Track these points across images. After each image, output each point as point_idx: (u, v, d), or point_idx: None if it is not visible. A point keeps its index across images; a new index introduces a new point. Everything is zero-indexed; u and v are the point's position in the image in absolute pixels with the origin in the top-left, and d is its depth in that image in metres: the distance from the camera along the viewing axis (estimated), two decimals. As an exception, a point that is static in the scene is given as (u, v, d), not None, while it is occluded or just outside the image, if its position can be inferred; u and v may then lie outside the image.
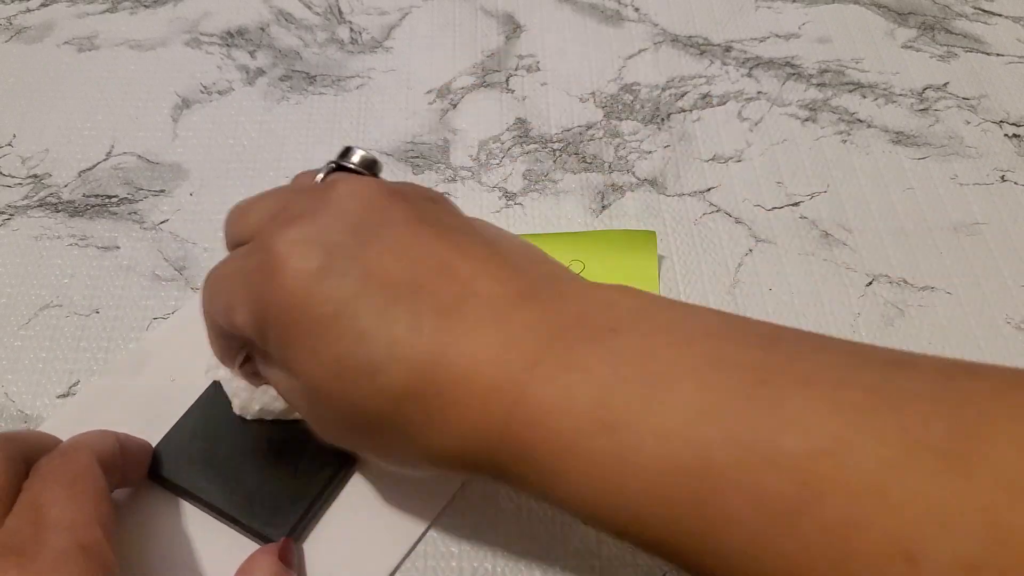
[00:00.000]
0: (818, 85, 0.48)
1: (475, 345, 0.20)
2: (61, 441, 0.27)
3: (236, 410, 0.31)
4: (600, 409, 0.18)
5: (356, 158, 0.27)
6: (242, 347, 0.26)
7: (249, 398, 0.31)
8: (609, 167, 0.43)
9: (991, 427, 0.15)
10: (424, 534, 0.30)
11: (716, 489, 0.17)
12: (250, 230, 0.25)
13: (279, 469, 0.31)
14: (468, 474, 0.24)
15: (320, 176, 0.27)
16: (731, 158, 0.44)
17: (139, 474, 0.30)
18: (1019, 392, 0.16)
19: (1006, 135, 0.45)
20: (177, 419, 0.32)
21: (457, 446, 0.21)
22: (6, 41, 0.49)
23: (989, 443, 0.15)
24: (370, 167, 0.27)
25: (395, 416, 0.21)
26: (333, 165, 0.27)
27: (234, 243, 0.26)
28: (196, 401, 0.32)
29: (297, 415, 0.30)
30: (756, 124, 0.46)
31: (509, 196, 0.42)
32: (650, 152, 0.44)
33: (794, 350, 0.18)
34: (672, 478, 0.17)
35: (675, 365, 0.18)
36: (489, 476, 0.21)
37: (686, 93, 0.47)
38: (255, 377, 0.28)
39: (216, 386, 0.32)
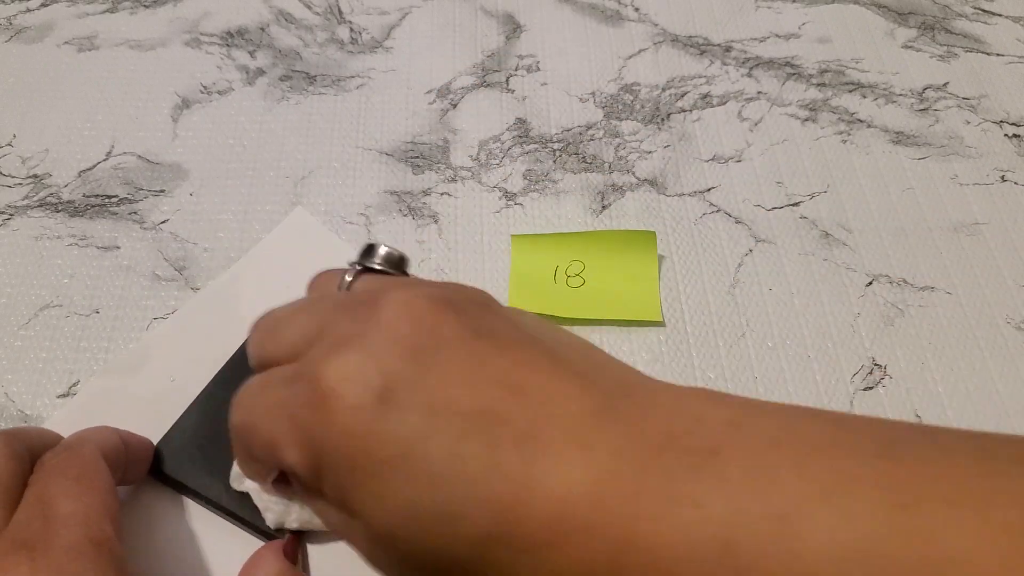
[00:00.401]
0: (818, 85, 0.48)
1: (563, 477, 0.18)
2: (63, 437, 0.28)
3: (270, 524, 0.29)
4: (728, 550, 0.17)
5: (381, 258, 0.25)
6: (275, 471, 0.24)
7: (284, 511, 0.29)
8: (609, 167, 0.43)
9: None
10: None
11: None
12: (285, 352, 0.23)
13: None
14: None
15: (348, 281, 0.25)
16: (731, 158, 0.44)
17: (140, 472, 0.30)
18: None
19: (1006, 135, 0.45)
20: (178, 418, 0.32)
21: None
22: (6, 41, 0.49)
23: None
24: (398, 265, 0.26)
25: (478, 563, 0.19)
26: (359, 267, 0.25)
27: (265, 363, 0.24)
28: (197, 398, 0.32)
29: None
30: (756, 124, 0.46)
31: (509, 196, 0.42)
32: (650, 152, 0.44)
33: (920, 460, 0.17)
34: None
35: (798, 494, 0.17)
36: None
37: (686, 93, 0.47)
38: (290, 494, 0.26)
39: (216, 383, 0.32)
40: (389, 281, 0.24)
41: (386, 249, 0.26)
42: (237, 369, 0.33)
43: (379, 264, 0.25)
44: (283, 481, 0.24)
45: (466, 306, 0.22)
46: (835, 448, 0.17)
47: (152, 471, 0.30)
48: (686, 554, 0.17)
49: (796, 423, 0.18)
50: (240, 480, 0.29)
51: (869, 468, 0.17)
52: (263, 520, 0.29)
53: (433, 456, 0.19)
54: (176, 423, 0.31)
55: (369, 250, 0.26)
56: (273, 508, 0.29)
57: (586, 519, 0.18)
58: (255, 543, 0.29)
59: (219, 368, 0.33)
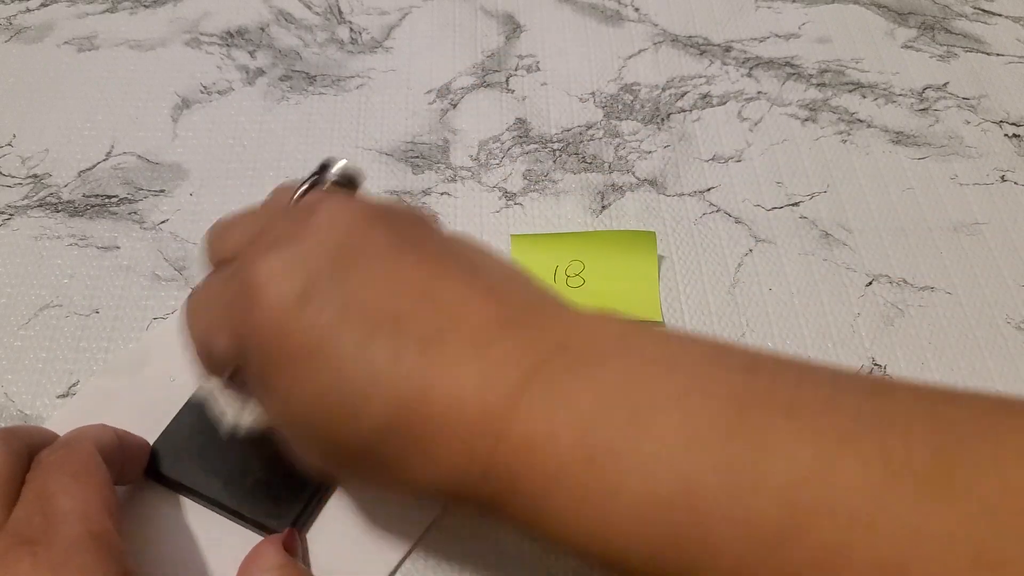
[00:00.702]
0: (818, 85, 0.48)
1: (457, 378, 0.20)
2: (59, 436, 0.28)
3: (228, 426, 0.30)
4: (584, 441, 0.18)
5: (335, 173, 0.26)
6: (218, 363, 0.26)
7: (239, 412, 0.30)
8: (609, 167, 0.43)
9: (972, 452, 0.15)
10: (429, 527, 0.30)
11: (701, 519, 0.17)
12: (230, 251, 0.25)
13: (279, 460, 0.31)
14: (453, 504, 0.24)
15: (298, 192, 0.26)
16: (731, 158, 0.44)
17: (137, 471, 0.30)
18: (997, 416, 0.16)
19: (1006, 135, 0.45)
20: (172, 418, 0.32)
21: (440, 479, 0.20)
22: (6, 41, 0.49)
23: (971, 468, 0.15)
24: (350, 181, 0.27)
25: (377, 449, 0.21)
26: (311, 180, 0.26)
27: (214, 262, 0.26)
28: (191, 397, 0.32)
29: (314, 480, 0.30)
30: (756, 124, 0.46)
31: (509, 196, 0.42)
32: (650, 152, 0.44)
33: (776, 377, 0.18)
34: (657, 509, 0.17)
35: (658, 395, 0.18)
36: (474, 507, 0.21)
37: (686, 93, 0.47)
38: (244, 390, 0.27)
39: None
40: (333, 195, 0.25)
41: (341, 165, 0.27)
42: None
43: (332, 179, 0.26)
44: (236, 379, 0.26)
45: (397, 220, 0.24)
46: (703, 366, 0.19)
47: (149, 471, 0.30)
48: (550, 441, 0.19)
49: (679, 344, 0.20)
50: (205, 391, 0.30)
51: (726, 382, 0.18)
52: (260, 514, 0.29)
53: (342, 351, 0.21)
54: (171, 423, 0.31)
55: (324, 165, 0.27)
56: (229, 409, 0.29)
57: (470, 417, 0.19)
58: (253, 539, 0.29)
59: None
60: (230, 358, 0.23)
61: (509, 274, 0.23)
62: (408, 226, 0.24)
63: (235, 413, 0.30)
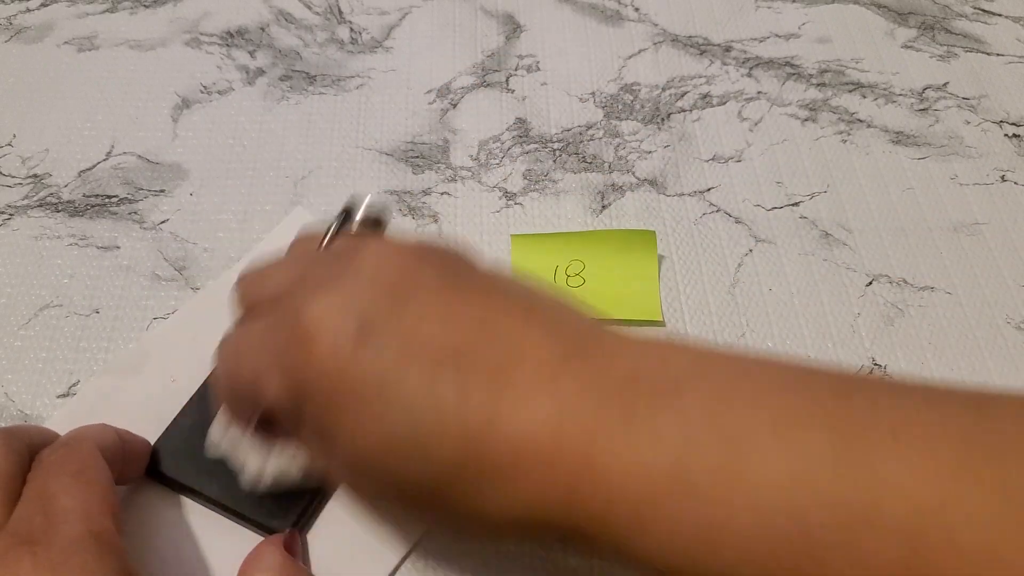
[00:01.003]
0: (818, 85, 0.48)
1: (528, 412, 0.19)
2: (60, 435, 0.28)
3: (248, 482, 0.29)
4: (679, 474, 0.18)
5: (361, 215, 0.26)
6: (259, 409, 0.25)
7: (262, 465, 0.29)
8: (609, 167, 0.43)
9: None
10: (428, 528, 0.30)
11: (816, 554, 0.16)
12: (267, 296, 0.24)
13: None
14: (530, 539, 0.23)
15: (327, 238, 0.25)
16: (731, 158, 0.44)
17: (138, 470, 0.30)
18: None
19: (1006, 135, 0.45)
20: (173, 418, 0.32)
21: (518, 512, 0.20)
22: (6, 41, 0.49)
23: None
24: (377, 222, 0.26)
25: (450, 487, 0.20)
26: (338, 224, 0.26)
27: (248, 306, 0.25)
28: (192, 397, 0.32)
29: (315, 481, 0.29)
30: (756, 124, 0.46)
31: (509, 196, 0.42)
32: (650, 152, 0.44)
33: (872, 401, 0.18)
34: (768, 544, 0.17)
35: (750, 426, 0.18)
36: (554, 539, 0.20)
37: (686, 93, 0.47)
38: (269, 438, 0.27)
39: (211, 383, 0.32)
40: (368, 239, 0.25)
41: (365, 205, 0.26)
42: None
43: (357, 227, 0.26)
44: (265, 425, 0.25)
45: (444, 258, 0.23)
46: (790, 387, 0.18)
47: (150, 471, 0.30)
48: (641, 480, 0.18)
49: (756, 365, 0.20)
50: (217, 446, 0.29)
51: (819, 405, 0.18)
52: (261, 514, 0.29)
53: (407, 387, 0.20)
54: (171, 423, 0.31)
55: (348, 209, 0.26)
56: (252, 463, 0.29)
57: (547, 450, 0.19)
58: (254, 540, 0.29)
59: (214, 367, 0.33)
60: (282, 405, 0.22)
61: (560, 305, 0.23)
62: (454, 262, 0.23)
63: (260, 462, 0.29)
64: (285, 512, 0.29)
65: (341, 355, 0.20)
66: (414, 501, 0.21)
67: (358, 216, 0.26)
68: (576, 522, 0.19)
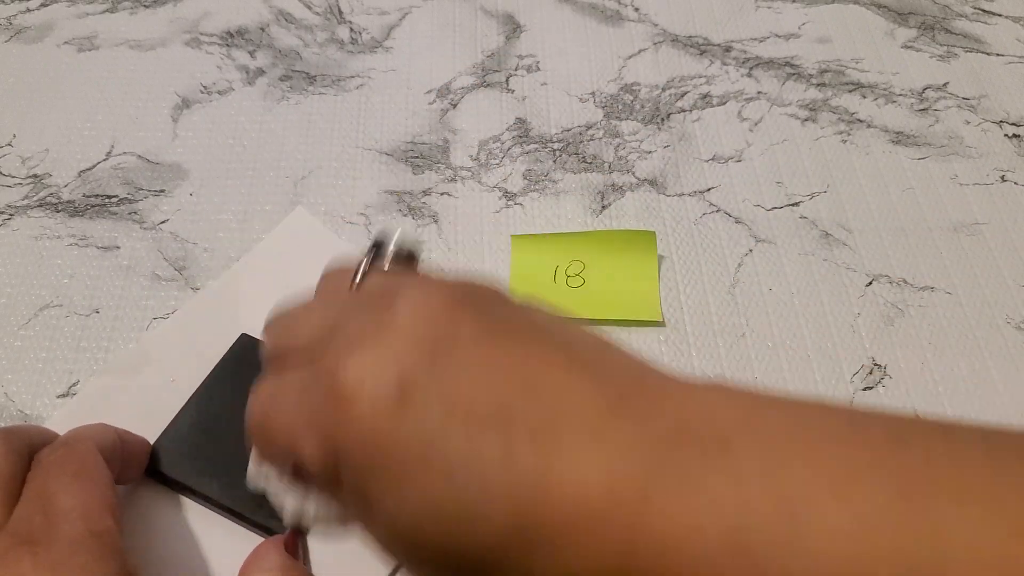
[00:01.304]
0: (818, 85, 0.48)
1: (578, 471, 0.19)
2: (60, 435, 0.28)
3: (287, 522, 0.28)
4: (734, 534, 0.17)
5: (392, 250, 0.25)
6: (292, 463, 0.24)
7: (301, 507, 0.28)
8: (609, 167, 0.43)
9: None
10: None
11: None
12: (302, 345, 0.23)
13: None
14: None
15: (358, 277, 0.25)
16: (731, 158, 0.44)
17: (137, 470, 0.30)
18: None
19: (1006, 135, 0.45)
20: (173, 417, 0.32)
21: None
22: (6, 41, 0.49)
23: None
24: (409, 255, 0.26)
25: (498, 555, 0.19)
26: (369, 260, 0.25)
27: (280, 355, 0.24)
28: (191, 397, 0.32)
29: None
30: (756, 124, 0.46)
31: (509, 196, 0.42)
32: (650, 152, 0.44)
33: (929, 450, 0.17)
34: None
35: (807, 482, 0.17)
36: None
37: (686, 93, 0.47)
38: (307, 485, 0.26)
39: (210, 382, 0.32)
40: (401, 279, 0.24)
41: (396, 239, 0.25)
42: (230, 368, 0.33)
43: (390, 263, 0.25)
44: (300, 474, 0.24)
45: (480, 302, 0.22)
46: (844, 440, 0.18)
47: (149, 471, 0.30)
48: (697, 546, 0.17)
49: (807, 416, 0.19)
50: (256, 480, 0.29)
51: (878, 460, 0.17)
52: (261, 515, 0.29)
53: (451, 456, 0.19)
54: (171, 423, 0.31)
55: (379, 244, 0.26)
56: (291, 505, 0.28)
57: (599, 512, 0.18)
58: (254, 540, 0.29)
59: (213, 367, 0.33)
60: (317, 468, 0.21)
61: (599, 347, 0.22)
62: (490, 305, 0.22)
63: (295, 507, 0.28)
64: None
65: (380, 418, 0.20)
66: (458, 571, 0.20)
67: (390, 250, 0.25)
68: None
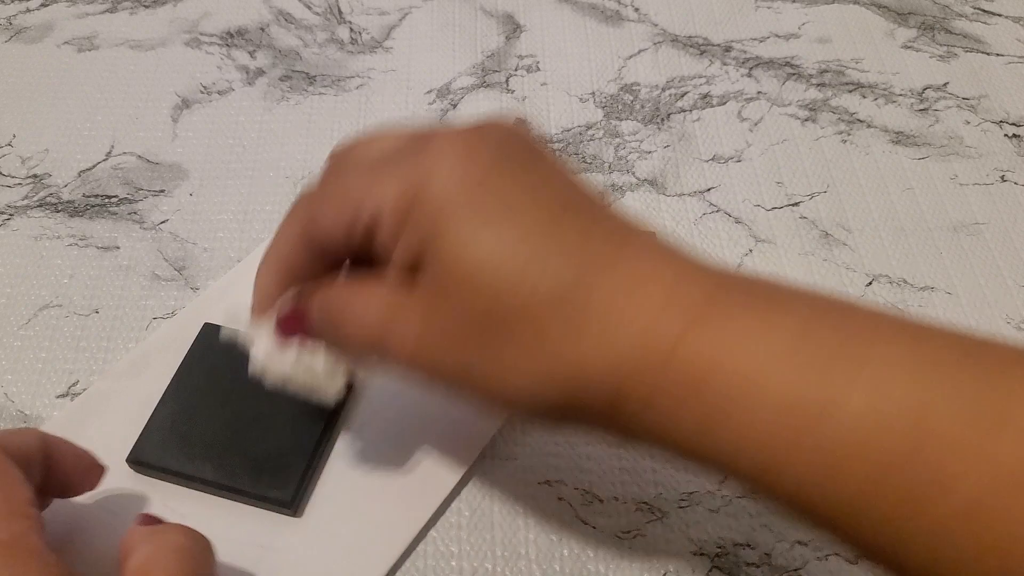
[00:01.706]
0: (818, 85, 0.48)
1: (646, 269, 0.20)
2: (41, 435, 0.26)
3: (269, 382, 0.27)
4: (795, 344, 0.18)
5: None
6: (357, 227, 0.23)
7: (281, 367, 0.27)
8: (609, 167, 0.43)
9: None
10: (422, 531, 0.30)
11: (933, 447, 0.16)
12: (389, 146, 0.23)
13: (268, 431, 0.31)
14: (573, 405, 0.21)
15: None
16: (731, 158, 0.44)
17: (84, 483, 0.27)
18: None
19: (1006, 135, 0.45)
20: (151, 413, 0.32)
21: (607, 358, 0.19)
22: (6, 41, 0.49)
23: None
24: None
25: (541, 318, 0.20)
26: None
27: (355, 161, 0.24)
28: (166, 389, 0.32)
29: (314, 393, 0.27)
30: (756, 124, 0.46)
31: (509, 196, 0.42)
32: (650, 152, 0.44)
33: (962, 336, 0.19)
34: (880, 433, 0.17)
35: (855, 326, 0.20)
36: (600, 408, 0.20)
37: (686, 93, 0.47)
38: (292, 337, 0.25)
39: (184, 369, 0.33)
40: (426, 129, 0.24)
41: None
42: (198, 355, 0.33)
43: None
44: (290, 323, 0.25)
45: (515, 157, 0.22)
46: (880, 318, 0.22)
47: (139, 465, 0.31)
48: (753, 342, 0.19)
49: (837, 299, 0.22)
50: (259, 364, 0.27)
51: (921, 332, 0.21)
52: (265, 486, 0.29)
53: (532, 217, 0.21)
54: (151, 417, 0.31)
55: None
56: (273, 367, 0.27)
57: (655, 304, 0.20)
58: (244, 522, 0.29)
59: (183, 358, 0.33)
60: (391, 212, 0.21)
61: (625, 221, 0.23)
62: (530, 164, 0.23)
63: (266, 359, 0.27)
64: (286, 479, 0.30)
65: (470, 174, 0.21)
66: (488, 332, 0.20)
67: None
68: (661, 385, 0.19)
